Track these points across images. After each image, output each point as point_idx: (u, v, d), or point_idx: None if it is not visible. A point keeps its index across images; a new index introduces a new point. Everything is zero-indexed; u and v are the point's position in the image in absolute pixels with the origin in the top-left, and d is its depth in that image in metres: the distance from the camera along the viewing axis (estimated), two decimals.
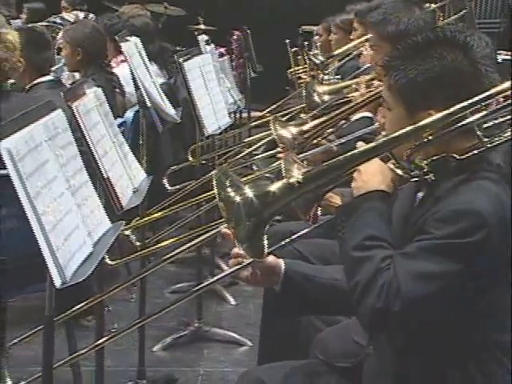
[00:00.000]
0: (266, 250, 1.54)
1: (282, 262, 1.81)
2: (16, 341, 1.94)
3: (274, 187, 1.56)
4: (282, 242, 1.75)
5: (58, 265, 1.59)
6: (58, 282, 1.57)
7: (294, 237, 1.78)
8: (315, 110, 2.91)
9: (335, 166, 1.59)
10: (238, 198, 1.55)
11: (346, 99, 2.88)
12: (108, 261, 2.19)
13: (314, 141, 2.59)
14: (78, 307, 1.89)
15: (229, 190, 1.57)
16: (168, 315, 3.54)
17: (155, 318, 1.87)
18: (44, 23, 5.38)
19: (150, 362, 3.12)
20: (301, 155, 2.43)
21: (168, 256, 2.02)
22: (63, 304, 1.84)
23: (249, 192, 1.56)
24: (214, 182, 1.58)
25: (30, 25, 4.60)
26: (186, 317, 3.59)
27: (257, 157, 3.55)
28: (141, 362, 3.04)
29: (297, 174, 1.57)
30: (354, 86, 2.95)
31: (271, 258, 1.79)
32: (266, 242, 1.54)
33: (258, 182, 2.22)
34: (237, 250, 1.72)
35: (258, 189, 1.56)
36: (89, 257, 1.77)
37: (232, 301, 3.94)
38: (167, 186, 3.52)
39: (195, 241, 2.05)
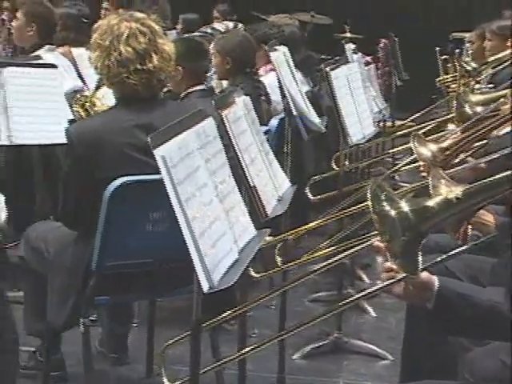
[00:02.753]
0: (421, 266, 1.52)
1: (435, 279, 1.76)
2: (171, 342, 2.00)
3: (432, 202, 1.53)
4: (438, 259, 1.72)
5: (205, 270, 1.62)
6: (205, 287, 1.60)
7: (451, 253, 1.74)
8: (465, 121, 2.82)
9: (497, 184, 1.55)
10: (393, 212, 1.54)
11: (495, 111, 2.76)
12: (253, 273, 2.21)
13: (457, 158, 2.52)
14: (225, 314, 1.93)
15: (384, 203, 1.55)
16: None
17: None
18: (197, 33, 5.56)
19: (289, 370, 3.14)
20: (448, 171, 2.36)
21: (313, 270, 2.02)
22: (208, 307, 1.88)
23: (404, 206, 1.54)
24: (369, 195, 1.57)
25: (186, 35, 4.76)
26: (325, 326, 3.58)
27: (399, 167, 3.48)
28: (280, 369, 3.06)
29: (455, 190, 1.53)
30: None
31: (424, 274, 1.74)
32: (420, 258, 1.51)
33: (408, 195, 2.18)
34: (389, 264, 1.70)
35: (413, 203, 1.54)
36: (234, 263, 1.80)
37: (372, 313, 3.89)
38: (309, 195, 3.52)
39: (343, 254, 2.03)
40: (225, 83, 4.37)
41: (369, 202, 1.56)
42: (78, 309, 2.53)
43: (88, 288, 2.51)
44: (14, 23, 4.52)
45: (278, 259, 2.65)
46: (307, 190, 3.54)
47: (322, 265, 2.02)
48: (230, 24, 6.65)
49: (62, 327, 2.64)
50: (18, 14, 4.39)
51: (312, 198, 3.51)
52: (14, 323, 2.23)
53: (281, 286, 2.68)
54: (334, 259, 2.02)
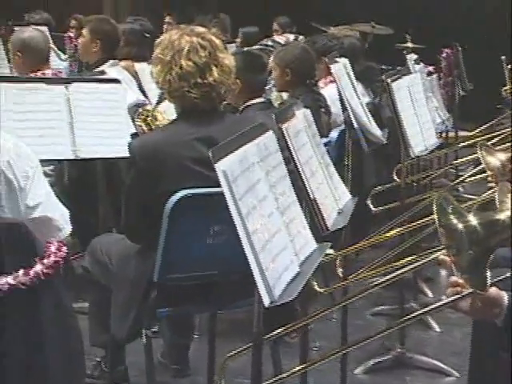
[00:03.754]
0: (489, 281, 1.48)
1: (504, 295, 1.71)
2: (232, 354, 2.00)
3: (502, 216, 1.50)
4: (508, 274, 1.67)
5: (266, 284, 1.62)
6: (266, 301, 1.60)
7: None
8: None
9: None
10: (460, 226, 1.51)
11: None
12: (316, 288, 2.19)
13: None
14: (286, 327, 1.91)
15: (450, 216, 1.52)
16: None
17: (358, 341, 1.84)
18: (257, 46, 5.59)
19: None
20: None
21: (375, 284, 1.99)
22: (269, 320, 1.87)
23: (473, 220, 1.51)
24: (434, 208, 1.54)
25: (246, 48, 4.80)
26: (388, 341, 3.53)
27: (463, 178, 3.41)
28: None
29: None
30: None
31: (493, 290, 1.70)
32: (488, 273, 1.47)
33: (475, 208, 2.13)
34: (455, 278, 1.66)
35: (482, 216, 1.50)
36: (295, 277, 1.79)
37: (436, 327, 3.81)
38: (371, 207, 3.48)
39: (406, 268, 1.99)
40: (284, 95, 4.37)
41: (435, 215, 1.53)
42: (141, 320, 2.56)
43: (150, 300, 2.54)
44: (79, 40, 4.63)
45: (340, 272, 2.62)
46: (369, 202, 3.50)
47: (384, 279, 1.99)
48: (291, 36, 6.67)
49: (124, 339, 2.68)
50: (84, 32, 4.50)
51: (374, 209, 3.47)
52: (79, 333, 2.27)
53: (342, 300, 2.65)
54: (397, 273, 1.98)
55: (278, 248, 1.75)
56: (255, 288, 1.62)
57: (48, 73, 4.06)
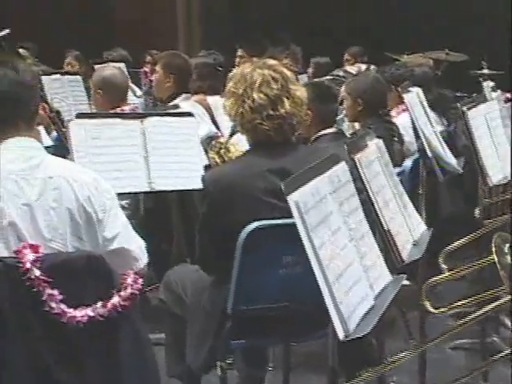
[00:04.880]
0: None
1: None
2: None
3: None
4: None
5: (341, 317, 1.60)
6: (341, 335, 1.58)
7: None
8: None
9: None
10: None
11: None
12: (430, 308, 2.13)
13: None
14: (363, 362, 1.89)
15: (507, 256, 1.47)
16: (450, 373, 3.40)
17: (437, 375, 1.80)
18: (328, 77, 5.60)
19: None
20: None
21: (456, 325, 1.93)
22: (344, 353, 1.85)
23: None
24: (493, 249, 1.49)
25: (316, 79, 4.82)
26: (470, 378, 3.42)
27: None
28: None
29: None
30: None
31: None
32: None
33: None
34: None
35: None
36: (370, 309, 1.76)
37: None
38: (443, 266, 3.38)
39: (488, 307, 1.93)
40: (356, 125, 4.36)
41: (494, 257, 1.47)
42: (215, 352, 2.57)
43: (224, 331, 2.54)
44: (153, 76, 4.74)
45: (427, 304, 2.55)
46: (440, 261, 3.40)
47: (466, 320, 1.92)
48: (363, 66, 6.65)
49: (200, 370, 2.69)
50: (157, 67, 4.61)
51: (444, 266, 3.37)
52: (156, 365, 2.29)
53: (421, 343, 2.56)
54: (480, 313, 1.92)
55: (352, 280, 1.73)
56: (329, 320, 1.61)
57: (126, 109, 4.17)
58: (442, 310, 2.30)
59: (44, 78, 5.04)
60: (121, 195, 2.67)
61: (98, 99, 4.23)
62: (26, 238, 2.11)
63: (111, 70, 4.36)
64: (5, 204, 2.10)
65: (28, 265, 2.03)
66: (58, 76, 5.36)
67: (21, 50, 7.23)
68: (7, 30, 6.27)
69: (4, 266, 2.03)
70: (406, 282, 2.75)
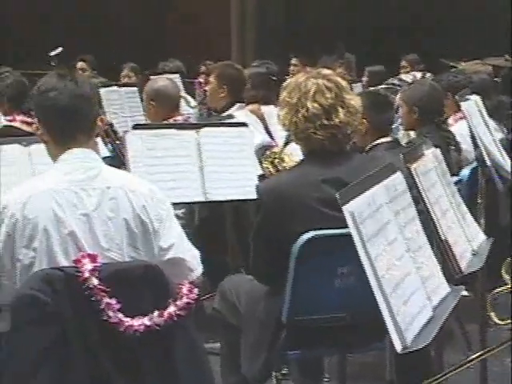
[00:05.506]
0: None
1: None
2: None
3: None
4: None
5: (398, 329, 1.58)
6: (398, 347, 1.56)
7: None
8: None
9: None
10: None
11: None
12: (496, 320, 2.09)
13: None
14: (421, 374, 1.86)
15: None
16: None
17: None
18: (383, 86, 5.56)
19: None
20: None
21: None
22: (401, 365, 1.82)
23: None
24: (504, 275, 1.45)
25: (371, 88, 4.80)
26: None
27: None
28: None
29: None
30: None
31: None
32: None
33: None
34: None
35: None
36: (429, 321, 1.73)
37: None
38: (506, 276, 3.31)
39: None
40: (412, 134, 4.31)
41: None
42: (270, 362, 2.56)
43: (279, 342, 2.53)
44: (207, 87, 4.78)
45: (493, 315, 2.49)
46: (503, 272, 3.32)
47: None
48: (418, 74, 6.58)
49: (255, 380, 2.68)
50: (211, 78, 4.64)
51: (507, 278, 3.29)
52: (211, 374, 2.29)
53: (482, 355, 2.49)
54: None
55: (408, 291, 1.71)
56: (386, 332, 1.59)
57: (179, 119, 4.21)
58: (509, 321, 2.24)
59: (102, 90, 5.13)
60: (176, 205, 2.69)
61: (151, 110, 4.28)
62: (84, 247, 2.14)
63: (163, 81, 4.41)
64: (64, 214, 2.14)
65: (87, 274, 2.06)
66: (115, 88, 5.44)
67: (80, 63, 7.39)
68: (60, 49, 6.42)
69: (64, 275, 2.07)
70: (464, 293, 2.71)
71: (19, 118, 4.30)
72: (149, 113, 4.34)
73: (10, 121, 4.34)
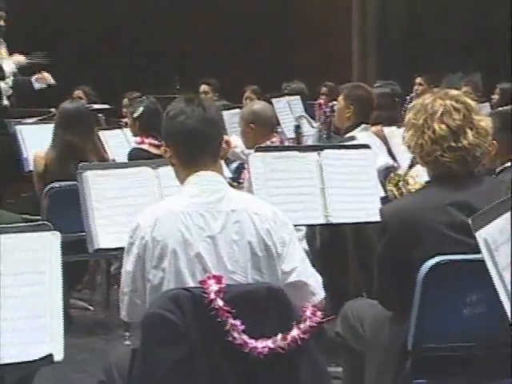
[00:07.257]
0: None
1: None
2: None
3: None
4: None
5: None
6: None
7: None
8: None
9: None
10: None
11: None
12: None
13: None
14: None
15: None
16: None
17: None
18: None
19: None
20: None
21: None
22: None
23: None
24: None
25: (501, 107, 4.63)
26: None
27: None
28: None
29: None
30: None
31: None
32: None
33: None
34: None
35: None
36: None
37: None
38: None
39: None
40: None
41: None
42: None
43: (405, 369, 2.47)
44: (335, 107, 4.78)
45: None
46: None
47: None
48: None
49: None
50: (339, 98, 4.65)
51: None
52: None
53: None
54: None
55: None
56: None
57: (275, 141, 4.26)
58: None
59: (224, 113, 5.23)
60: (297, 227, 2.69)
61: (249, 132, 4.31)
62: (210, 269, 2.17)
63: (260, 103, 4.56)
64: (192, 236, 2.18)
65: (212, 295, 2.09)
66: (237, 110, 5.54)
67: (203, 86, 7.58)
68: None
69: (191, 296, 2.10)
70: None
71: (147, 140, 4.46)
72: (247, 136, 4.35)
73: (139, 143, 4.51)
